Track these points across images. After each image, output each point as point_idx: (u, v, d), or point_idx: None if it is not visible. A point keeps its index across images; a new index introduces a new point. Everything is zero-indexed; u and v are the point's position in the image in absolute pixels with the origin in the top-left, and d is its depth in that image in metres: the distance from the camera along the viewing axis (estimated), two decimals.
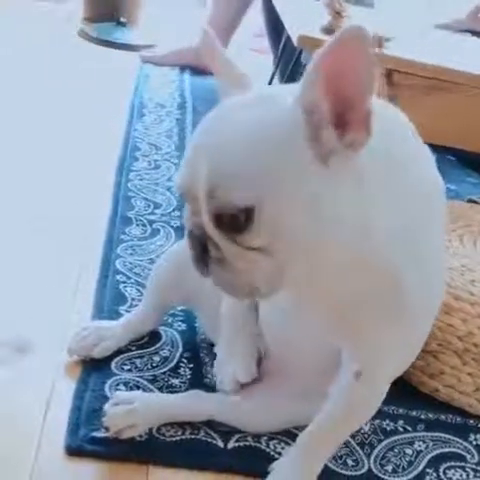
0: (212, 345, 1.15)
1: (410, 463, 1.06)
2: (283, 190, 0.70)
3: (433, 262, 0.87)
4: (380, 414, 1.13)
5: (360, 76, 0.66)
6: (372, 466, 1.04)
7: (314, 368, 0.98)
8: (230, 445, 1.02)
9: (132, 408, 0.99)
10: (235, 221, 0.71)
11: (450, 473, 1.06)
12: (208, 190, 0.71)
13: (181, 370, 1.14)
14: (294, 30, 1.62)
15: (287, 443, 1.04)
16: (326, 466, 1.00)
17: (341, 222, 0.72)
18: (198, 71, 2.60)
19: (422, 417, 1.16)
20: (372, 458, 1.06)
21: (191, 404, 1.04)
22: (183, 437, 1.02)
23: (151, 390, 1.08)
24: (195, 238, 0.76)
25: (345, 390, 0.90)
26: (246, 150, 0.70)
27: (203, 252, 0.75)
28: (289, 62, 2.15)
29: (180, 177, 0.76)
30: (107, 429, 0.98)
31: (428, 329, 0.97)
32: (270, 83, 2.32)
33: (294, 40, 1.59)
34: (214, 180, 0.71)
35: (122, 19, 2.98)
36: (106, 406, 0.99)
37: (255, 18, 2.75)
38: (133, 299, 1.28)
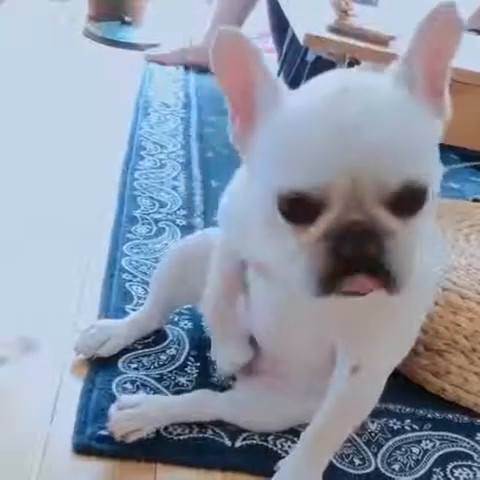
0: None
1: (417, 462, 1.06)
2: (431, 156, 0.72)
3: (425, 260, 0.88)
4: (387, 413, 1.13)
5: (451, 49, 0.73)
6: (379, 465, 1.04)
7: (312, 365, 0.98)
8: (237, 444, 1.02)
9: (137, 412, 0.99)
10: (416, 198, 0.69)
11: (457, 472, 1.06)
12: (385, 170, 0.66)
13: (188, 368, 1.14)
14: (300, 29, 1.62)
15: (294, 441, 1.04)
16: (333, 465, 1.01)
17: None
18: (203, 70, 2.60)
19: (429, 416, 1.16)
20: (379, 457, 1.06)
21: (196, 406, 1.04)
22: (190, 436, 1.02)
23: (158, 389, 1.09)
24: (356, 237, 0.67)
25: (343, 385, 0.91)
26: (402, 125, 0.69)
27: (376, 247, 0.68)
28: (294, 61, 2.14)
29: (324, 167, 0.67)
30: (112, 434, 0.97)
31: (420, 323, 0.99)
32: None
33: (300, 39, 1.58)
34: (392, 157, 0.66)
35: (127, 18, 2.98)
36: (111, 410, 0.99)
37: (259, 17, 2.75)
38: (139, 297, 1.28)
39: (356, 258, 0.68)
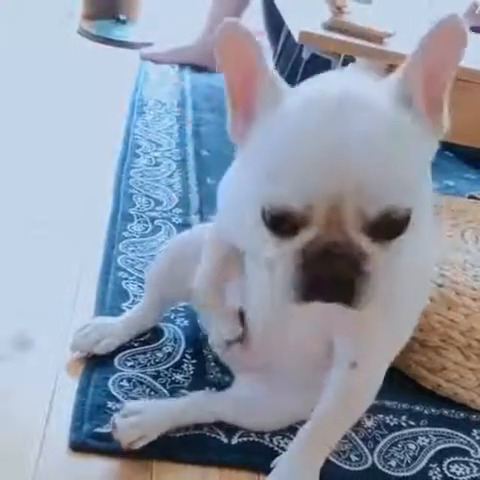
0: None
1: (414, 458, 1.07)
2: (421, 183, 0.72)
3: (422, 258, 0.90)
4: (383, 409, 1.14)
5: (453, 65, 0.71)
6: (376, 461, 1.05)
7: (310, 359, 0.98)
8: (234, 441, 1.03)
9: (141, 419, 0.98)
10: (396, 226, 0.70)
11: (454, 468, 1.07)
12: (366, 198, 0.67)
13: (184, 366, 1.14)
14: (295, 26, 1.62)
15: (290, 438, 1.04)
16: (330, 461, 1.01)
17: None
18: (198, 68, 2.60)
19: (425, 412, 1.16)
20: (376, 453, 1.06)
21: (197, 409, 1.04)
22: (187, 433, 1.02)
23: (154, 386, 1.08)
24: (331, 258, 0.69)
25: (341, 381, 0.91)
26: (393, 151, 0.69)
27: (352, 271, 0.70)
28: (289, 58, 2.15)
29: (308, 188, 0.68)
30: (118, 442, 0.97)
31: (414, 323, 1.01)
32: None
33: (295, 36, 1.58)
34: (374, 187, 0.67)
35: (121, 17, 2.97)
36: (115, 419, 0.98)
37: (254, 15, 2.75)
38: (135, 295, 1.28)
39: (329, 278, 0.70)
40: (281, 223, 0.71)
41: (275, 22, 2.32)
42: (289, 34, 1.85)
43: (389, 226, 0.69)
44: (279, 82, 0.75)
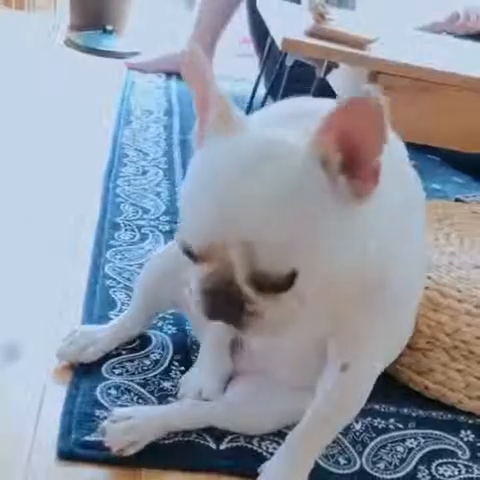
0: None
1: (402, 460, 1.07)
2: (317, 244, 0.71)
3: (414, 262, 0.92)
4: (371, 412, 1.14)
5: (371, 139, 0.68)
6: (364, 464, 1.05)
7: (303, 362, 0.98)
8: (222, 446, 1.02)
9: (132, 424, 0.98)
10: (277, 285, 0.72)
11: (442, 469, 1.07)
12: (247, 258, 0.70)
13: (172, 373, 1.14)
14: (278, 34, 1.63)
15: (279, 443, 1.04)
16: (318, 465, 1.01)
17: (356, 252, 0.75)
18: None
19: (413, 414, 1.16)
20: (364, 456, 1.06)
21: (189, 414, 1.04)
22: (175, 439, 1.02)
23: (142, 394, 1.08)
24: (223, 295, 0.74)
25: (332, 384, 0.91)
26: (282, 214, 0.69)
27: (236, 308, 0.74)
28: (274, 66, 2.16)
29: (200, 237, 0.72)
30: (109, 449, 0.96)
31: (411, 323, 1.03)
32: (255, 87, 2.33)
33: (278, 43, 1.59)
34: (255, 247, 0.69)
35: (108, 27, 2.98)
36: (105, 424, 0.98)
37: (240, 24, 2.76)
38: (123, 304, 1.28)
39: (216, 311, 0.76)
40: (186, 252, 0.75)
41: (260, 29, 2.32)
42: (273, 41, 1.86)
43: (272, 284, 0.71)
44: (227, 115, 0.75)
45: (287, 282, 0.71)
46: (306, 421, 0.94)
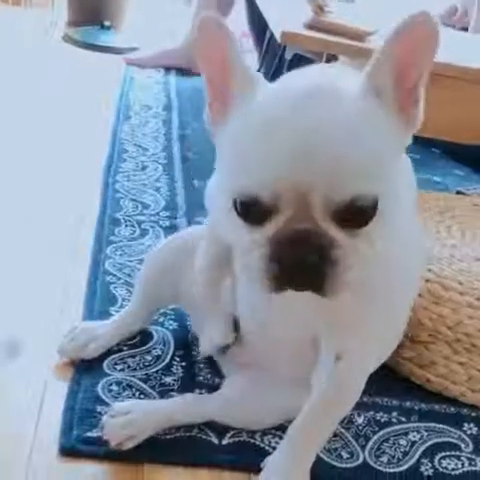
0: None
1: (405, 454, 1.06)
2: (390, 172, 0.72)
3: (410, 252, 0.91)
4: (373, 406, 1.14)
5: (426, 61, 0.71)
6: (367, 458, 1.04)
7: (299, 355, 0.98)
8: (225, 441, 1.02)
9: (130, 419, 0.98)
10: (363, 214, 0.70)
11: (445, 462, 1.07)
12: (332, 186, 0.68)
13: (173, 368, 1.14)
14: (277, 27, 1.62)
15: (281, 437, 1.03)
16: (321, 459, 1.01)
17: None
18: (183, 72, 2.60)
19: (416, 408, 1.16)
20: (367, 450, 1.06)
21: (188, 409, 1.04)
22: (177, 435, 1.02)
23: (144, 389, 1.08)
24: (299, 244, 0.70)
25: (327, 376, 0.90)
26: (362, 146, 0.69)
27: (309, 256, 0.70)
28: (273, 59, 2.15)
29: (276, 177, 0.68)
30: (107, 443, 0.96)
31: (407, 315, 1.02)
32: None
33: (277, 37, 1.59)
34: (340, 175, 0.68)
35: (106, 22, 2.98)
36: (103, 419, 0.98)
37: (240, 17, 2.75)
38: (123, 300, 1.28)
39: (297, 266, 0.70)
40: (251, 212, 0.72)
41: (259, 23, 2.32)
42: (272, 35, 1.85)
43: (356, 214, 0.70)
44: (253, 74, 0.76)
45: (371, 209, 0.70)
46: (304, 414, 0.93)
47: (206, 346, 1.06)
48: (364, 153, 0.69)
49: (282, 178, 0.68)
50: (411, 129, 0.75)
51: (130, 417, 0.98)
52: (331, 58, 1.78)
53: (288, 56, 1.92)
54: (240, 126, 0.73)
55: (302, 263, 0.70)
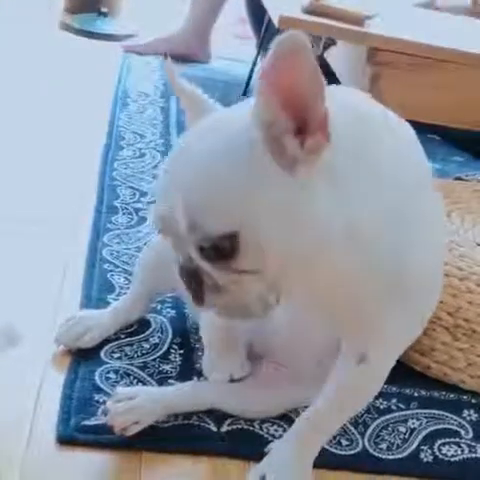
0: None
1: (404, 441, 1.06)
2: (259, 208, 0.69)
3: (432, 248, 0.85)
4: None
5: (307, 85, 0.65)
6: (366, 445, 1.04)
7: (310, 352, 0.98)
8: (223, 429, 1.02)
9: (134, 404, 0.98)
10: (220, 250, 0.70)
11: (445, 449, 1.06)
12: (187, 225, 0.70)
13: (171, 356, 1.13)
14: (275, 11, 1.61)
15: (280, 425, 1.03)
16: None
17: (323, 226, 0.71)
18: (181, 59, 2.58)
19: (415, 395, 1.16)
20: (366, 437, 1.06)
21: (192, 395, 1.04)
22: (175, 423, 1.01)
23: (142, 377, 1.08)
24: (186, 270, 0.74)
25: (347, 374, 0.88)
26: (214, 180, 0.69)
27: (196, 283, 0.74)
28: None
29: (157, 214, 0.75)
30: (111, 428, 0.96)
31: (431, 310, 0.95)
32: (253, 66, 2.30)
33: (275, 21, 1.57)
34: (191, 215, 0.70)
35: (103, 9, 2.95)
36: (108, 404, 0.98)
37: (237, 4, 2.74)
38: (121, 287, 1.27)
39: (188, 289, 0.76)
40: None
41: (257, 9, 2.30)
42: (270, 20, 1.84)
43: (217, 252, 0.70)
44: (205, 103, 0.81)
45: (229, 246, 0.69)
46: (316, 409, 0.92)
47: (218, 375, 1.06)
48: (211, 194, 0.69)
49: (157, 218, 0.75)
50: (316, 157, 0.69)
51: (135, 402, 0.98)
52: (330, 43, 1.76)
53: None
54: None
55: (189, 288, 0.76)
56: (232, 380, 1.05)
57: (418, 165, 0.86)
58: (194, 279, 0.74)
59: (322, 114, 0.67)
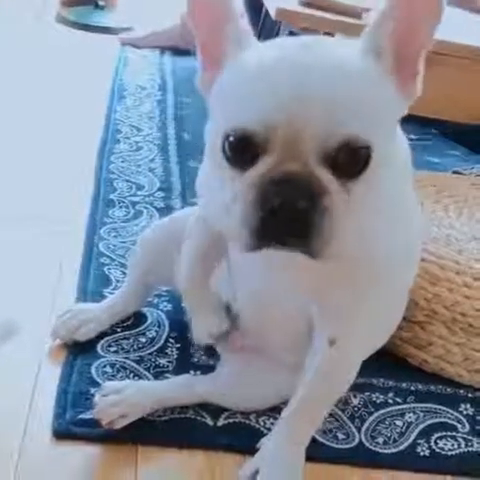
0: None
1: (401, 434, 1.06)
2: (385, 130, 0.70)
3: (396, 226, 0.84)
4: (370, 387, 1.13)
5: (427, 27, 0.69)
6: (363, 439, 1.04)
7: (293, 338, 0.97)
8: (220, 423, 1.02)
9: (122, 398, 0.98)
10: (355, 161, 0.67)
11: (441, 443, 1.06)
12: (326, 124, 0.65)
13: (168, 350, 1.13)
14: (272, 3, 1.60)
15: (276, 418, 1.03)
16: (316, 440, 1.00)
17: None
18: (178, 52, 2.58)
19: (412, 389, 1.15)
20: (363, 431, 1.05)
21: (181, 390, 1.03)
22: (172, 416, 1.01)
23: (138, 371, 1.07)
24: (287, 188, 0.65)
25: (320, 358, 0.89)
26: (356, 85, 0.68)
27: (298, 199, 0.65)
28: (269, 38, 2.12)
29: (270, 112, 0.65)
30: (99, 421, 0.96)
31: (403, 301, 0.99)
32: None
33: (272, 13, 1.57)
34: (335, 113, 0.65)
35: (100, 2, 2.94)
36: (95, 398, 0.98)
37: None
38: (118, 281, 1.27)
39: (283, 211, 0.65)
40: (241, 153, 0.68)
41: (255, 3, 2.29)
42: (268, 13, 1.83)
43: (350, 159, 0.67)
44: (247, 27, 0.75)
45: (364, 158, 0.67)
46: (298, 397, 0.92)
47: (201, 336, 1.03)
48: (359, 97, 0.67)
49: (276, 112, 0.65)
50: (406, 101, 0.73)
51: (121, 396, 0.98)
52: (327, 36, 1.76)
53: (283, 34, 1.90)
54: (236, 71, 0.71)
55: (289, 208, 0.65)
56: (217, 341, 1.02)
57: (402, 154, 0.86)
58: (305, 196, 0.65)
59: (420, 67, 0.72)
